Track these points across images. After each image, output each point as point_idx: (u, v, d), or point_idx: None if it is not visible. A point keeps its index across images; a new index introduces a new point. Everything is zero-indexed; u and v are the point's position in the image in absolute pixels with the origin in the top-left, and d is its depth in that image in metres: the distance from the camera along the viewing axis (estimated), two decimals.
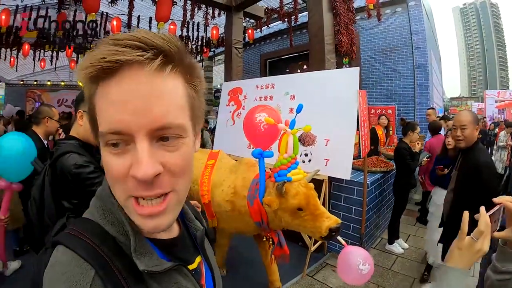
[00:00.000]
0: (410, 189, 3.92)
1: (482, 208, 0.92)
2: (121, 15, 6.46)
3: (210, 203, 2.57)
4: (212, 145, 5.26)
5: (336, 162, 3.10)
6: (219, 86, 14.74)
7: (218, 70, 14.40)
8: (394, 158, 3.91)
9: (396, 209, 3.87)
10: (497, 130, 10.17)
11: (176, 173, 0.46)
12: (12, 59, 9.96)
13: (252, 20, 8.11)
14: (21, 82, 15.90)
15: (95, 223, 0.52)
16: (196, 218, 0.70)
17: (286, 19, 6.88)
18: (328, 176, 3.29)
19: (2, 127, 4.10)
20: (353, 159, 4.07)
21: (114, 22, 6.23)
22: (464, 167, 2.35)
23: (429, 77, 7.33)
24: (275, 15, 6.87)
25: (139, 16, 7.05)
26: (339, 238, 2.10)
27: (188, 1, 5.87)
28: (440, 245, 2.66)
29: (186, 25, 7.29)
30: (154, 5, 5.02)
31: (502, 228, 0.97)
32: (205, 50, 9.80)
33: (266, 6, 6.88)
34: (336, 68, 3.98)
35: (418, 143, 3.89)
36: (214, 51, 12.16)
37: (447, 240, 2.47)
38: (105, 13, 7.11)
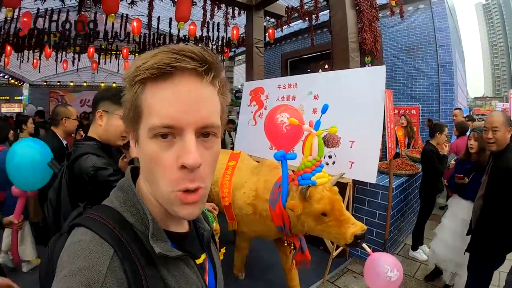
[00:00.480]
0: (437, 193, 3.75)
1: None
2: (141, 16, 6.53)
3: (230, 205, 2.52)
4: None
5: (361, 165, 2.98)
6: (239, 86, 14.75)
7: (239, 70, 14.45)
8: (421, 161, 3.75)
9: (422, 214, 3.71)
10: None
11: (208, 169, 0.54)
12: (35, 61, 10.28)
13: (272, 20, 8.04)
14: (45, 83, 16.47)
15: (115, 210, 0.58)
16: (204, 219, 0.77)
17: (307, 18, 6.77)
18: (353, 179, 3.17)
19: (31, 126, 4.18)
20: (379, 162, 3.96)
21: (135, 23, 6.31)
22: (495, 172, 2.23)
23: (454, 76, 7.06)
24: (296, 14, 6.78)
25: (159, 17, 7.12)
26: (364, 245, 2.01)
27: (207, 1, 5.86)
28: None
29: (206, 25, 7.30)
30: (173, 6, 5.03)
31: None
32: (226, 50, 9.84)
33: (287, 5, 6.80)
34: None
35: (445, 145, 3.73)
36: (234, 51, 12.22)
37: (476, 249, 2.34)
38: (125, 15, 7.20)
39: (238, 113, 5.20)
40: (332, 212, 1.90)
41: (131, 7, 5.76)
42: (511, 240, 2.18)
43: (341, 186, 2.57)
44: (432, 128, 3.89)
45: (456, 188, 3.08)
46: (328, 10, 4.57)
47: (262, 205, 2.31)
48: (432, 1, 7.12)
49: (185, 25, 5.11)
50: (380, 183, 3.41)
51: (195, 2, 5.17)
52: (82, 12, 6.58)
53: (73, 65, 10.43)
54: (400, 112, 6.75)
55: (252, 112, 4.48)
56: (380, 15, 7.49)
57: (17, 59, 10.04)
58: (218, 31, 8.15)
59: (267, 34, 7.62)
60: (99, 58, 10.51)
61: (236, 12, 6.46)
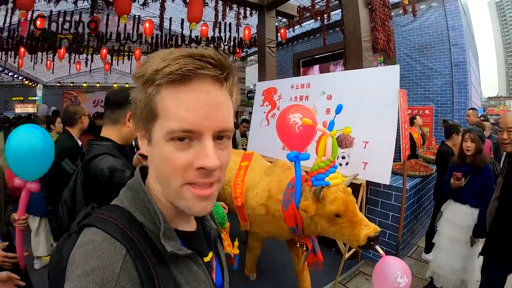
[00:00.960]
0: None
1: None
2: (153, 18, 6.59)
3: (243, 206, 2.51)
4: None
5: (375, 166, 2.94)
6: (252, 86, 14.76)
7: (251, 71, 14.47)
8: (436, 162, 3.69)
9: (436, 216, 3.63)
10: None
11: (223, 167, 0.56)
12: (48, 62, 10.48)
13: (284, 20, 8.02)
14: (58, 84, 16.79)
15: (125, 210, 0.58)
16: (211, 218, 0.78)
17: (318, 18, 6.72)
18: (366, 180, 3.14)
19: (59, 125, 4.21)
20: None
21: (147, 24, 6.38)
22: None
23: (467, 75, 6.91)
24: (308, 14, 6.74)
25: (170, 18, 7.19)
26: (377, 247, 1.97)
27: (219, 2, 5.88)
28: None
29: (218, 26, 7.33)
30: (185, 7, 5.06)
31: None
32: (238, 50, 9.84)
33: (299, 4, 6.77)
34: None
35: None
36: (246, 52, 12.22)
37: (490, 252, 2.27)
38: (137, 16, 7.28)
39: (250, 113, 5.20)
40: (345, 213, 1.88)
41: (143, 9, 5.83)
42: None
43: (355, 187, 2.54)
44: (448, 129, 3.82)
45: (451, 192, 2.97)
46: (340, 9, 4.52)
47: (275, 206, 2.30)
48: None
49: (197, 26, 5.13)
50: (394, 184, 3.35)
51: (207, 3, 5.19)
52: (94, 14, 6.67)
53: (86, 66, 10.60)
54: (413, 113, 6.66)
55: (264, 112, 4.48)
56: (393, 13, 7.40)
57: (31, 61, 10.24)
58: (230, 31, 8.18)
59: (279, 34, 7.60)
60: (111, 59, 10.65)
61: (248, 12, 6.47)
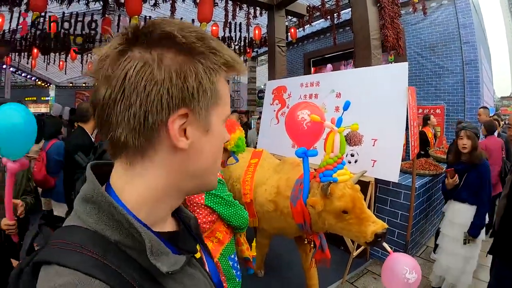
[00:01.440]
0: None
1: None
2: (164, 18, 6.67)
3: (252, 202, 2.53)
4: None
5: (383, 163, 2.93)
6: (262, 86, 14.79)
7: (262, 71, 14.50)
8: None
9: None
10: None
11: None
12: (61, 63, 10.69)
13: (294, 19, 8.03)
14: (70, 84, 17.11)
15: (90, 230, 0.45)
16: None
17: (328, 17, 6.72)
18: (375, 178, 3.13)
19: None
20: (402, 161, 3.87)
21: None
22: None
23: (479, 74, 6.80)
24: (317, 13, 6.75)
25: (181, 18, 7.24)
26: (384, 244, 1.97)
27: (229, 2, 5.93)
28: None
29: (228, 26, 7.38)
30: (195, 7, 5.11)
31: None
32: (248, 50, 9.89)
33: (308, 4, 6.78)
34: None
35: None
36: (257, 52, 12.29)
37: (499, 251, 2.24)
38: (148, 17, 7.37)
39: (260, 113, 5.26)
40: (353, 210, 1.89)
41: (154, 9, 5.91)
42: None
43: (363, 185, 2.53)
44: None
45: (449, 192, 2.93)
46: (350, 8, 4.53)
47: (283, 202, 2.32)
48: None
49: (208, 26, 5.18)
50: (403, 183, 3.34)
51: (217, 3, 5.23)
52: (106, 15, 6.79)
53: None
54: (425, 112, 6.59)
55: (274, 110, 4.51)
56: (402, 12, 7.33)
57: (44, 61, 10.48)
58: (240, 31, 8.24)
59: (289, 33, 7.61)
60: None
61: (258, 12, 6.50)
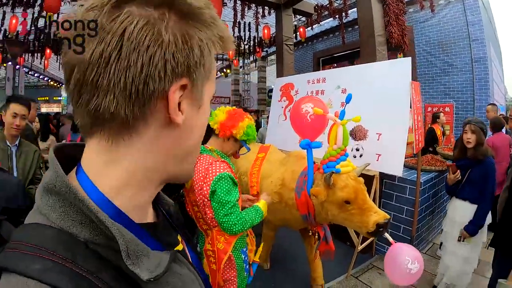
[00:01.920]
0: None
1: None
2: None
3: (258, 194, 2.58)
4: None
5: (387, 157, 2.96)
6: (272, 86, 14.84)
7: (272, 70, 14.46)
8: None
9: None
10: None
11: None
12: None
13: (303, 18, 8.05)
14: None
15: (55, 228, 0.38)
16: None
17: (337, 16, 6.75)
18: (380, 172, 3.16)
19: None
20: (408, 157, 3.85)
21: None
22: None
23: (488, 71, 6.74)
24: (326, 12, 6.77)
25: None
26: (386, 235, 2.00)
27: (238, 1, 5.99)
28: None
29: (237, 26, 7.46)
30: None
31: None
32: (258, 50, 9.94)
33: (316, 3, 6.81)
34: None
35: None
36: (267, 51, 12.29)
37: (500, 244, 2.25)
38: None
39: None
40: (355, 200, 1.92)
41: None
42: None
43: (368, 179, 2.56)
44: None
45: (451, 188, 2.84)
46: None
47: (288, 194, 2.36)
48: None
49: None
50: (408, 178, 3.36)
51: (226, 3, 5.29)
52: None
53: None
54: (434, 110, 6.55)
55: (282, 107, 4.56)
56: (410, 10, 7.32)
57: (57, 61, 10.70)
58: (249, 31, 8.29)
59: (298, 33, 7.64)
60: None
61: (266, 11, 6.56)
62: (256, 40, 9.20)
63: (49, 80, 17.64)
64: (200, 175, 1.66)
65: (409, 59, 2.97)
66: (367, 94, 3.18)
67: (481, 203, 2.55)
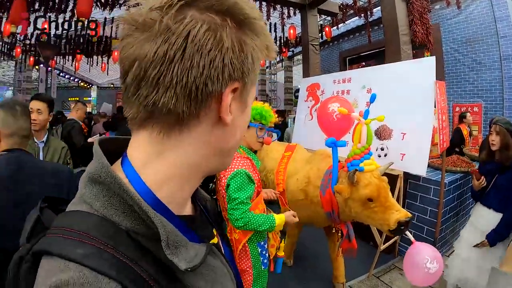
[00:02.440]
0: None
1: None
2: None
3: (284, 191, 2.66)
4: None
5: (412, 157, 2.96)
6: (299, 85, 14.84)
7: (298, 70, 14.43)
8: None
9: None
10: None
11: None
12: (103, 65, 11.36)
13: (329, 18, 8.02)
14: (112, 85, 18.04)
15: (98, 216, 0.40)
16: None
17: (362, 14, 6.70)
18: (404, 172, 3.16)
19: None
20: (434, 158, 3.81)
21: None
22: None
23: None
24: (351, 11, 6.74)
25: None
26: (408, 233, 2.02)
27: (263, 2, 6.07)
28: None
29: None
30: None
31: None
32: (284, 50, 9.97)
33: (341, 2, 6.80)
34: None
35: None
36: (293, 51, 12.30)
37: None
38: None
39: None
40: (378, 198, 1.97)
41: None
42: None
43: (392, 178, 2.58)
44: None
45: (476, 194, 2.63)
46: None
47: (313, 192, 2.41)
48: None
49: None
50: (433, 178, 3.32)
51: None
52: None
53: None
54: (462, 110, 6.38)
55: (308, 107, 4.61)
56: (437, 7, 7.14)
57: (87, 63, 11.18)
58: (275, 31, 8.35)
59: (324, 32, 7.62)
60: None
61: (292, 12, 6.60)
62: (282, 40, 9.23)
63: (79, 81, 18.37)
64: None
65: (433, 58, 2.96)
66: (391, 93, 3.20)
67: (506, 212, 2.33)
